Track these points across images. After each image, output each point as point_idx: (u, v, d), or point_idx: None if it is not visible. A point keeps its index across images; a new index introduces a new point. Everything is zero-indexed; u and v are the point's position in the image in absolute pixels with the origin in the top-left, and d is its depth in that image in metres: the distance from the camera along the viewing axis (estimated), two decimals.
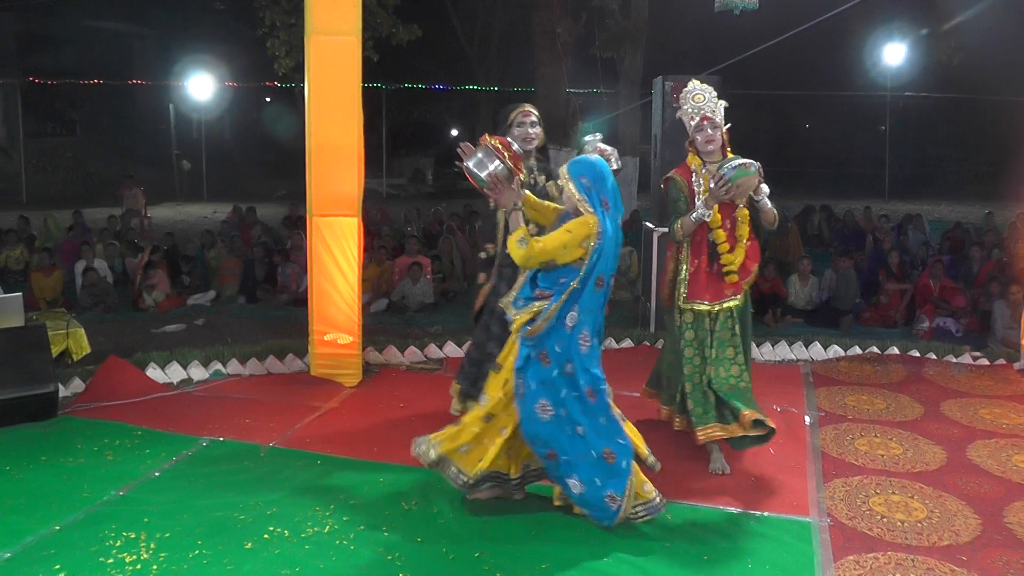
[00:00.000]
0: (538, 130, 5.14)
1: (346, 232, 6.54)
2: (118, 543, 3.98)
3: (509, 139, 4.27)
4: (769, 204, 4.88)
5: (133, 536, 4.05)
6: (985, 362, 7.43)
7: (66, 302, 9.58)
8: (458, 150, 4.37)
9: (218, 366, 6.92)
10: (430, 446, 4.22)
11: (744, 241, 4.94)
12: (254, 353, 7.11)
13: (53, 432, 5.47)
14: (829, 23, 9.14)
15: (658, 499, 4.21)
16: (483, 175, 4.22)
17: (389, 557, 3.89)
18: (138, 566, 3.78)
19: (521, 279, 4.16)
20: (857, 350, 7.69)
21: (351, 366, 6.65)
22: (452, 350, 7.47)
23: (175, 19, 28.19)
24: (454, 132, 35.87)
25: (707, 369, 4.90)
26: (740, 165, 4.68)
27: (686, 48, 22.31)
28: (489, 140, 4.31)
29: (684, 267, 5.00)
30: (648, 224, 8.41)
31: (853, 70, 27.48)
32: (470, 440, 4.18)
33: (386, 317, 9.51)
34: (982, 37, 18.35)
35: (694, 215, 4.85)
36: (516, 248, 4.00)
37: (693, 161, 5.03)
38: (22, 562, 3.84)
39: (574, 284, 3.97)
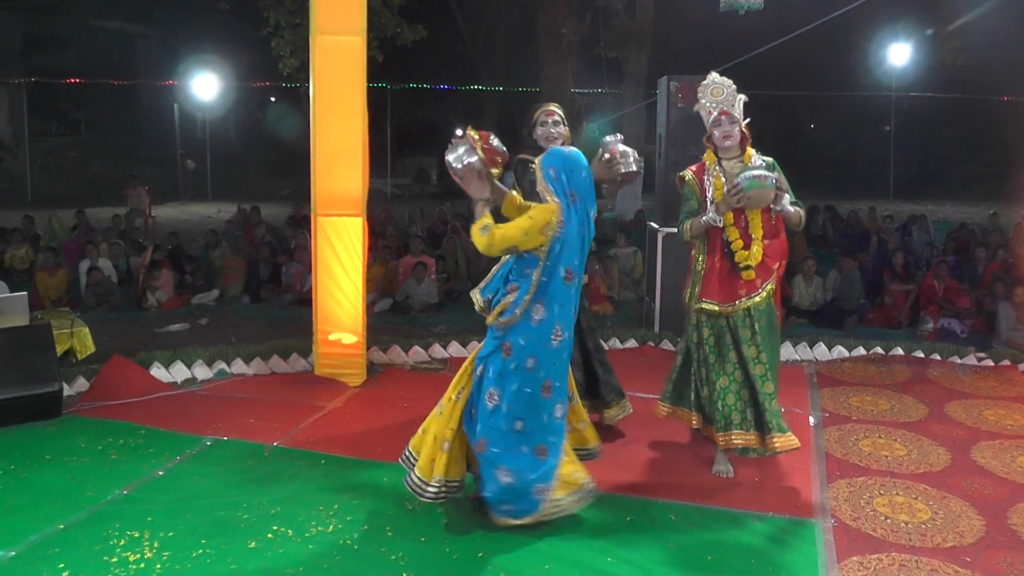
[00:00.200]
0: (561, 129, 5.18)
1: (350, 232, 6.55)
2: (122, 542, 3.99)
3: (491, 134, 4.26)
4: (792, 208, 4.73)
5: (137, 535, 4.05)
6: (990, 363, 7.41)
7: (70, 301, 9.59)
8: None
9: (222, 365, 6.93)
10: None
11: (760, 238, 4.75)
12: (258, 353, 7.12)
13: (57, 431, 5.48)
14: (834, 23, 9.15)
15: (589, 484, 4.19)
16: (458, 167, 4.22)
17: (392, 557, 3.89)
18: (142, 565, 3.79)
19: (494, 270, 4.23)
20: (861, 351, 7.68)
21: (355, 366, 6.66)
22: (456, 350, 7.47)
23: (180, 19, 28.28)
24: (459, 132, 35.85)
25: (732, 371, 4.76)
26: (756, 176, 4.56)
27: (691, 48, 22.31)
28: (471, 133, 4.31)
29: (699, 266, 4.91)
30: (653, 224, 8.40)
31: (858, 70, 27.48)
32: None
33: (390, 317, 9.52)
34: (987, 37, 18.32)
35: (704, 218, 4.78)
36: (478, 236, 4.02)
37: (708, 158, 4.90)
38: (26, 561, 3.84)
39: (537, 275, 3.97)
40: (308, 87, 6.63)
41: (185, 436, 5.38)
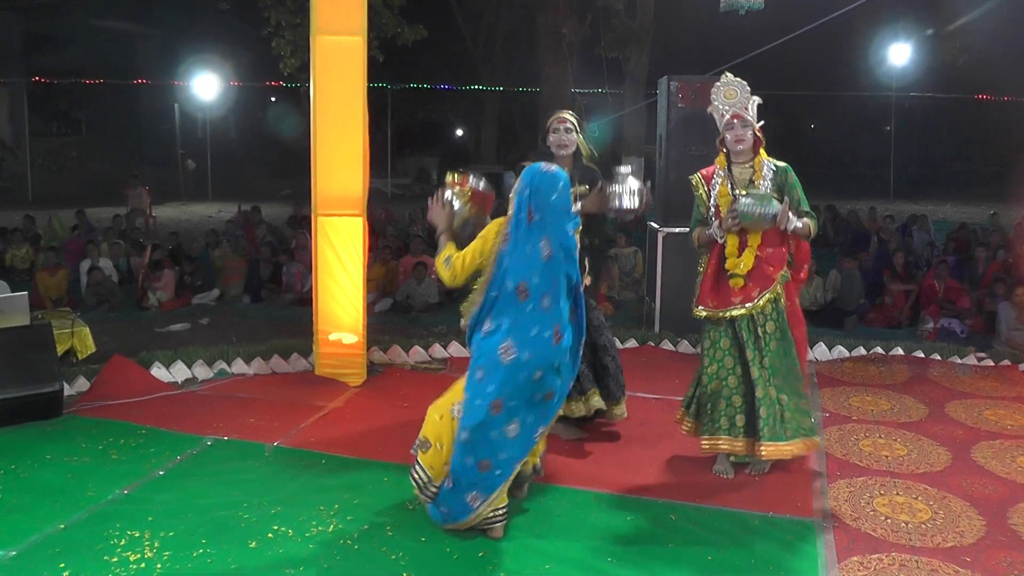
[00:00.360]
0: (573, 136, 5.23)
1: (351, 232, 6.55)
2: (122, 542, 3.99)
3: (469, 175, 4.38)
4: (799, 225, 4.63)
5: (137, 535, 4.05)
6: (990, 363, 7.42)
7: (71, 301, 9.60)
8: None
9: (223, 365, 6.93)
10: None
11: (756, 247, 4.68)
12: (259, 352, 7.12)
13: (58, 431, 5.48)
14: (834, 23, 9.15)
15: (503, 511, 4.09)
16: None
17: (393, 556, 3.89)
18: (142, 565, 3.79)
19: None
20: (861, 351, 7.68)
21: (355, 366, 6.66)
22: (456, 350, 7.47)
23: (180, 19, 28.28)
24: (459, 132, 35.91)
25: (726, 376, 4.74)
26: (755, 204, 4.52)
27: (691, 48, 22.31)
28: (449, 179, 4.48)
29: (700, 269, 4.89)
30: (653, 224, 8.40)
31: (858, 70, 27.48)
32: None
33: (391, 317, 9.53)
34: (987, 37, 18.32)
35: (708, 231, 4.79)
36: (442, 269, 4.14)
37: (719, 161, 4.85)
38: (27, 560, 3.84)
39: (483, 286, 4.00)
40: (309, 87, 6.63)
41: (186, 436, 5.38)
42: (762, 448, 4.68)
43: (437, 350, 7.52)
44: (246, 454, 5.11)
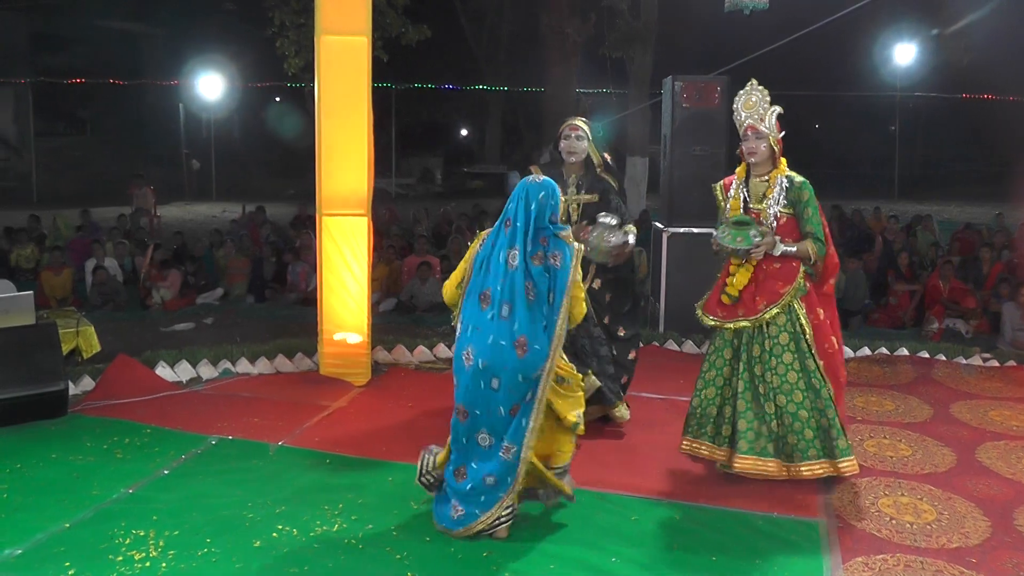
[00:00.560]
0: (583, 144, 5.29)
1: (355, 231, 6.55)
2: (127, 541, 4.00)
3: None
4: (794, 250, 4.56)
5: (142, 534, 4.06)
6: (995, 364, 7.41)
7: (76, 300, 9.61)
8: None
9: (227, 365, 6.94)
10: None
11: (754, 264, 4.61)
12: (263, 352, 7.13)
13: (63, 430, 5.50)
14: (839, 23, 9.13)
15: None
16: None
17: (397, 556, 3.89)
18: (147, 564, 3.79)
19: None
20: (866, 351, 7.67)
21: (360, 365, 6.66)
22: None
23: (185, 19, 28.29)
24: (463, 132, 35.92)
25: (722, 384, 4.73)
26: (729, 238, 4.55)
27: (695, 48, 22.25)
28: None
29: (718, 275, 4.86)
30: (657, 224, 8.40)
31: (863, 70, 27.43)
32: None
33: (395, 316, 9.53)
34: (992, 37, 18.28)
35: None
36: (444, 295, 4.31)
37: (740, 171, 4.80)
38: (32, 559, 3.85)
39: (465, 292, 4.09)
40: (313, 87, 6.65)
41: (190, 435, 5.39)
42: (736, 461, 4.63)
43: (441, 350, 7.52)
44: (250, 453, 5.12)
